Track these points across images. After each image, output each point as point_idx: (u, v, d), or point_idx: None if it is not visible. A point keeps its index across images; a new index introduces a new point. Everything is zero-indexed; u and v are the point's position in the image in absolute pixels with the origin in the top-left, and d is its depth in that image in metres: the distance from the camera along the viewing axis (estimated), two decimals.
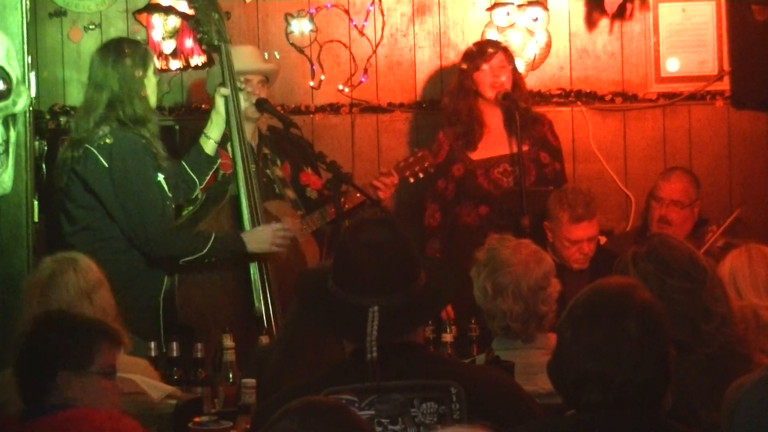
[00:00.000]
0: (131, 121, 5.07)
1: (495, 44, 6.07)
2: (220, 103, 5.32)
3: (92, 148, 5.03)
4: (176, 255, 5.11)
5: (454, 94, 6.00)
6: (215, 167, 5.48)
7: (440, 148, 5.97)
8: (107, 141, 5.03)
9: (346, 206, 5.48)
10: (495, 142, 5.96)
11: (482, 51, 5.95)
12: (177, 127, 6.34)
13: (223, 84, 5.32)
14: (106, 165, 5.03)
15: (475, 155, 5.95)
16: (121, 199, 5.04)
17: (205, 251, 5.06)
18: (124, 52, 5.14)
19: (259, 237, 5.15)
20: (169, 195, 5.19)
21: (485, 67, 5.89)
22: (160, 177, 5.13)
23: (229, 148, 5.35)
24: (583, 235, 5.50)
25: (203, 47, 6.08)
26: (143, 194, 5.05)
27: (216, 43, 5.32)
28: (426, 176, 5.83)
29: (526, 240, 4.28)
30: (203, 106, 6.35)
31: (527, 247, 4.17)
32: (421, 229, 5.96)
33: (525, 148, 5.87)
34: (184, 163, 5.38)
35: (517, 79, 6.00)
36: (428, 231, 5.98)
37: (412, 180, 5.81)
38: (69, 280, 4.02)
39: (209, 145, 5.36)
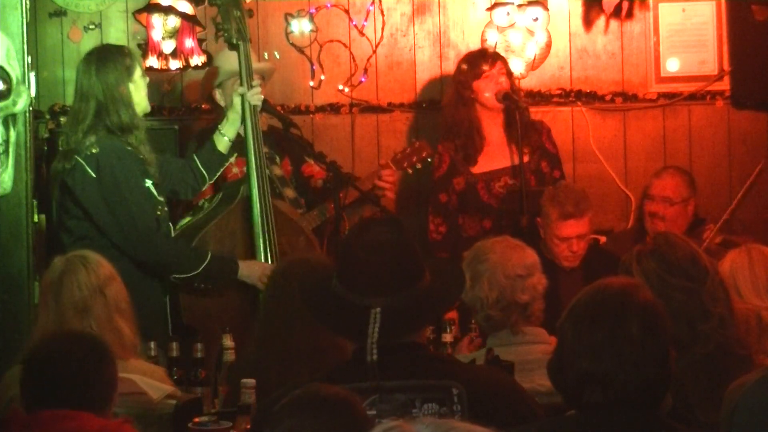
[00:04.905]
0: (118, 129, 5.04)
1: (493, 51, 6.09)
2: (237, 101, 5.32)
3: (80, 159, 5.00)
4: (168, 263, 5.08)
5: (452, 105, 5.99)
6: (227, 164, 5.47)
7: (441, 160, 5.97)
8: (93, 150, 5.00)
9: (346, 201, 5.50)
10: (495, 154, 5.96)
11: (482, 58, 5.95)
12: (177, 127, 6.34)
13: (240, 83, 5.32)
14: (94, 175, 5.00)
15: (476, 168, 5.95)
16: (112, 206, 5.00)
17: (199, 270, 5.05)
18: (106, 60, 5.09)
19: (252, 268, 5.15)
20: (160, 199, 5.15)
21: (486, 72, 5.88)
22: (149, 183, 5.10)
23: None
24: (572, 232, 5.48)
25: (203, 47, 6.10)
26: (133, 200, 5.01)
27: (235, 41, 5.31)
28: (424, 167, 5.84)
29: (511, 238, 4.32)
30: (203, 105, 6.35)
31: (510, 240, 4.24)
32: (424, 243, 5.88)
33: (525, 159, 5.88)
34: (195, 158, 5.37)
35: (514, 85, 6.02)
36: (435, 245, 5.95)
37: (410, 171, 5.82)
38: (80, 277, 4.05)
39: (223, 143, 5.35)
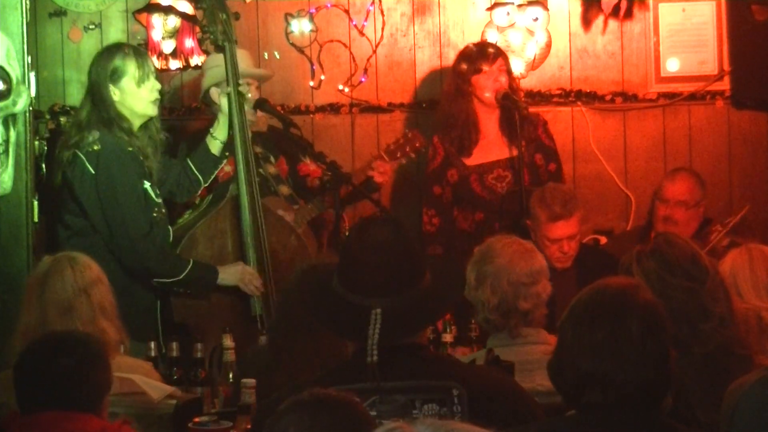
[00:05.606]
0: (109, 123, 5.05)
1: (494, 47, 6.06)
2: (224, 103, 5.32)
3: (80, 154, 5.02)
4: (153, 269, 5.09)
5: (450, 97, 5.98)
6: (220, 167, 5.48)
7: (435, 153, 5.97)
8: (95, 148, 5.02)
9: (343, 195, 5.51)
10: (489, 147, 5.96)
11: (482, 54, 5.93)
12: (176, 127, 6.33)
13: (226, 84, 5.32)
14: (93, 172, 5.02)
15: (470, 161, 5.95)
16: (105, 206, 5.02)
17: (181, 277, 5.07)
18: (99, 58, 5.15)
19: (231, 271, 5.18)
20: (158, 201, 5.16)
21: (486, 69, 5.87)
22: (147, 185, 5.11)
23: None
24: (562, 233, 5.46)
25: (203, 47, 6.09)
26: (127, 204, 5.02)
27: (221, 43, 5.31)
28: (417, 157, 5.85)
29: (526, 241, 4.29)
30: (203, 106, 6.35)
31: (521, 244, 4.20)
32: (418, 235, 5.91)
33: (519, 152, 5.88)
34: (189, 162, 5.37)
35: (513, 83, 6.01)
36: (428, 237, 5.95)
37: (404, 161, 5.82)
38: (65, 277, 4.05)
39: (215, 146, 5.36)
